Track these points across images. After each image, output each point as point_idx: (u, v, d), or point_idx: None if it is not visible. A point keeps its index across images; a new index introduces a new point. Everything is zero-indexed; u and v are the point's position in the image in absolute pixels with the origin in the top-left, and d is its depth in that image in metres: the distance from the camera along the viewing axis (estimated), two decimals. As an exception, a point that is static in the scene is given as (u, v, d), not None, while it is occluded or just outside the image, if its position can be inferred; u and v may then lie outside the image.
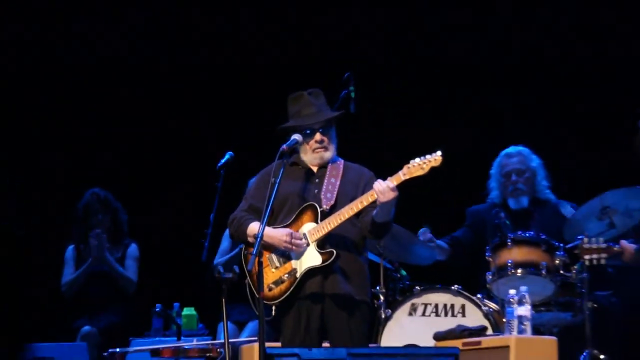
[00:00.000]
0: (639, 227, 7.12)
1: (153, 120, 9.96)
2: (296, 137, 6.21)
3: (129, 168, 9.70)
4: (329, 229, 6.08)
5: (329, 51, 9.71)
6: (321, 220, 6.12)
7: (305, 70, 9.26)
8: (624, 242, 6.92)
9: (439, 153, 6.08)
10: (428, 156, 6.12)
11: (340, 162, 6.37)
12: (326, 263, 6.09)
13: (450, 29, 9.92)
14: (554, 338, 6.54)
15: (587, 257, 6.95)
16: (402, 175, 6.07)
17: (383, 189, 5.91)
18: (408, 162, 6.14)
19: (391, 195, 5.91)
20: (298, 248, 6.13)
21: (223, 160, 6.78)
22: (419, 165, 6.08)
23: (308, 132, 6.23)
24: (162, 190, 9.53)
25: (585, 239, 6.97)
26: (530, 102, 9.51)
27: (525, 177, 7.79)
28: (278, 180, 5.98)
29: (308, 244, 6.17)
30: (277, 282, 6.16)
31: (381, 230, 6.19)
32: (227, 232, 8.03)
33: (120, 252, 8.46)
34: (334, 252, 6.09)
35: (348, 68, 7.44)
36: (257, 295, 5.81)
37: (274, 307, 6.18)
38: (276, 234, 6.11)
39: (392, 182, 5.94)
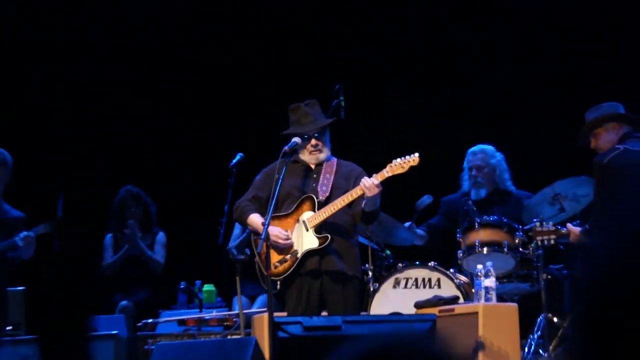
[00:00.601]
0: (585, 211, 7.07)
1: (179, 126, 9.85)
2: (296, 139, 6.31)
3: (157, 167, 9.61)
4: (325, 216, 6.22)
5: (325, 55, 9.61)
6: (318, 209, 6.25)
7: (301, 75, 9.19)
8: (570, 225, 6.85)
9: (416, 154, 6.24)
10: (407, 157, 6.26)
11: (334, 160, 6.47)
12: (322, 245, 6.22)
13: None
14: (514, 305, 6.53)
15: (539, 238, 6.94)
16: (386, 172, 6.22)
17: (369, 185, 6.04)
18: (391, 162, 6.35)
19: (376, 190, 6.05)
20: (287, 245, 6.28)
21: (234, 161, 6.70)
22: (400, 165, 6.23)
23: (306, 137, 6.34)
24: (186, 186, 9.50)
25: (538, 223, 6.95)
26: (496, 106, 9.45)
27: (484, 172, 7.74)
28: (281, 176, 6.11)
29: (307, 229, 6.37)
30: (282, 261, 6.25)
31: (370, 217, 6.31)
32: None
33: (150, 239, 8.44)
34: (329, 236, 6.22)
35: (341, 73, 7.51)
36: (265, 273, 6.06)
37: (279, 282, 6.28)
38: (272, 232, 6.20)
39: (377, 179, 6.06)
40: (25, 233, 6.90)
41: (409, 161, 6.19)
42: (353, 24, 9.90)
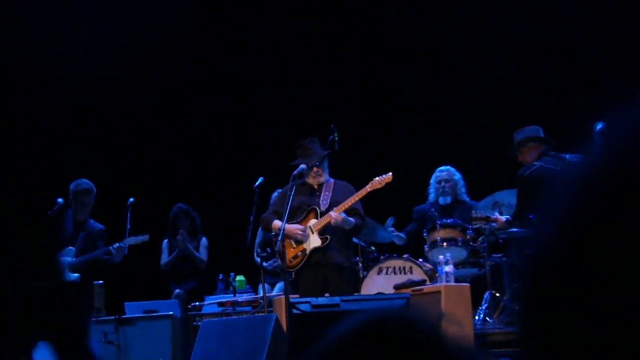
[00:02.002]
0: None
1: (221, 158, 9.77)
2: (302, 166, 6.37)
3: (204, 189, 9.57)
4: (325, 222, 6.32)
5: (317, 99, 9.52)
6: (320, 217, 6.37)
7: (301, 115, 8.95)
8: (496, 215, 6.83)
9: (390, 174, 6.26)
10: (384, 175, 6.29)
11: (332, 182, 6.50)
12: (324, 244, 6.27)
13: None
14: (467, 285, 6.48)
15: (475, 222, 6.91)
16: (368, 188, 6.26)
17: (334, 217, 6.14)
18: (372, 179, 6.34)
19: (339, 219, 6.13)
20: (305, 236, 6.37)
21: (257, 183, 6.72)
22: (378, 182, 6.24)
23: (309, 166, 6.44)
24: (224, 202, 9.41)
25: (473, 212, 6.96)
26: (447, 133, 9.41)
27: (449, 185, 7.67)
28: (292, 194, 6.14)
29: (312, 232, 6.36)
30: (295, 257, 6.30)
31: (352, 231, 6.37)
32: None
33: (196, 243, 8.34)
34: (329, 237, 6.27)
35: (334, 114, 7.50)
36: (283, 265, 6.11)
37: (293, 273, 6.35)
38: (292, 228, 6.29)
39: (339, 211, 6.16)
40: (118, 244, 6.91)
41: (385, 179, 6.19)
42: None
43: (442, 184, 7.72)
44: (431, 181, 7.82)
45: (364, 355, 0.91)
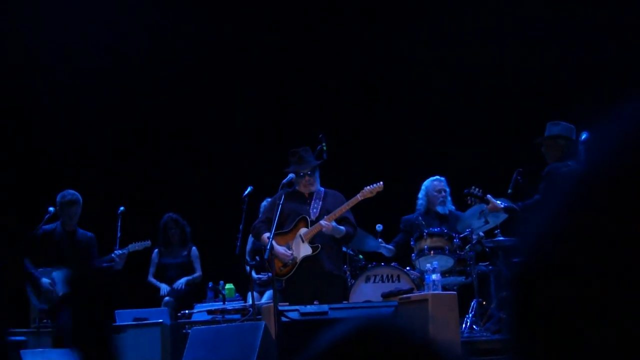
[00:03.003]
0: (504, 223, 7.06)
1: (212, 170, 9.72)
2: (291, 175, 6.38)
3: (194, 199, 9.55)
4: (316, 231, 6.32)
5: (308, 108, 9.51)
6: (310, 226, 6.36)
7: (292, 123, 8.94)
8: (490, 197, 6.71)
9: (381, 183, 6.28)
10: (375, 185, 6.30)
11: (322, 191, 6.54)
12: (314, 253, 6.27)
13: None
14: (454, 293, 6.46)
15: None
16: (359, 197, 6.27)
17: (325, 225, 6.15)
18: (363, 189, 6.35)
19: (329, 227, 6.15)
20: (291, 258, 6.30)
21: (246, 192, 6.73)
22: (369, 191, 6.26)
23: (302, 174, 6.43)
24: (213, 211, 9.38)
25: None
26: (438, 146, 9.47)
27: (444, 195, 7.66)
28: (280, 203, 6.16)
29: (303, 241, 6.36)
30: (285, 265, 6.31)
31: (343, 241, 6.40)
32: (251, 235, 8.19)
33: (186, 252, 8.25)
34: (319, 246, 6.28)
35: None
36: (272, 274, 6.08)
37: (283, 281, 6.38)
38: (281, 252, 6.26)
39: (330, 220, 6.17)
40: (120, 251, 6.92)
41: (376, 188, 6.21)
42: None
43: (442, 193, 7.67)
44: (424, 191, 7.72)
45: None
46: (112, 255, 6.89)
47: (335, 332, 0.91)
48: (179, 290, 7.83)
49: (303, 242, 6.30)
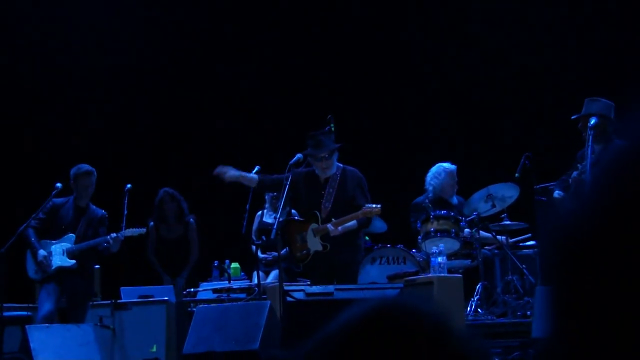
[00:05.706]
0: (510, 207, 7.04)
1: (222, 150, 9.53)
2: (298, 155, 6.31)
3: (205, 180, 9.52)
4: (324, 232, 6.22)
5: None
6: (321, 223, 6.28)
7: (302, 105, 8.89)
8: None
9: (379, 205, 6.18)
10: (374, 206, 6.16)
11: (339, 171, 6.42)
12: (325, 250, 6.25)
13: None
14: (459, 276, 6.44)
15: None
16: (360, 214, 6.18)
17: (332, 231, 6.14)
18: (364, 207, 6.18)
19: (337, 233, 6.15)
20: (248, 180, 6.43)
21: (254, 171, 6.61)
22: (369, 210, 6.18)
23: (319, 157, 6.37)
24: (223, 193, 9.25)
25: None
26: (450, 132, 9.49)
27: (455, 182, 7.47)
28: (287, 183, 6.12)
29: (315, 235, 6.32)
30: (302, 252, 6.32)
31: (360, 229, 6.38)
32: (257, 214, 8.16)
33: (183, 227, 8.00)
34: (328, 246, 6.22)
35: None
36: (278, 252, 6.04)
37: (302, 265, 6.38)
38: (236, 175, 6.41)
39: (336, 226, 6.15)
40: (115, 234, 6.82)
41: (375, 208, 6.12)
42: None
43: (456, 180, 7.49)
44: (437, 178, 7.44)
45: (370, 343, 0.86)
46: (108, 237, 6.81)
47: (354, 312, 0.87)
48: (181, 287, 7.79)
49: (315, 236, 6.29)
